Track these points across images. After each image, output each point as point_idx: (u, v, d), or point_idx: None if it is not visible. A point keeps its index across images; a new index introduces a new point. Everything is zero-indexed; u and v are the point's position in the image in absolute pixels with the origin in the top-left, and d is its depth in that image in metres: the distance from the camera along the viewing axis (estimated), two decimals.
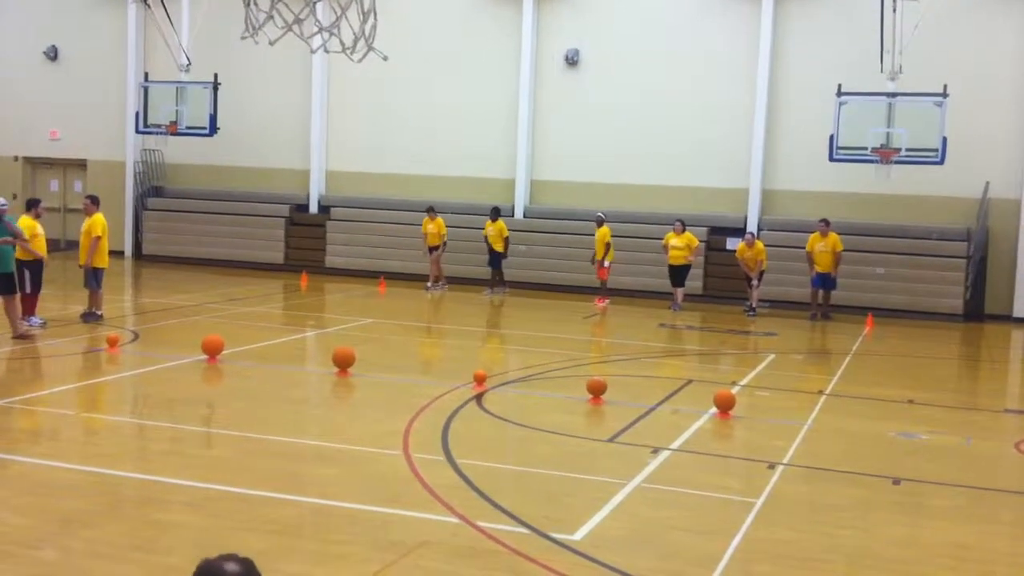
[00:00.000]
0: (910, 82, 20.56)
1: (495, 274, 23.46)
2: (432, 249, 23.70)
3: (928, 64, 21.25)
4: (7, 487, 8.44)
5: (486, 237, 23.44)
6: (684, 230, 21.84)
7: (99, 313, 16.73)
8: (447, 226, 23.80)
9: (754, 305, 21.50)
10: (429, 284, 23.75)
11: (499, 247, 23.29)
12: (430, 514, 7.98)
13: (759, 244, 21.72)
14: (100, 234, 16.74)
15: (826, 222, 21.37)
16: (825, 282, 21.41)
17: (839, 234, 21.80)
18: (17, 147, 29.44)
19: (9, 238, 15.12)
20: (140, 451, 9.31)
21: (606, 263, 21.97)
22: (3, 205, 15.34)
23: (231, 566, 3.21)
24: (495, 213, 23.38)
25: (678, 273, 21.90)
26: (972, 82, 21.76)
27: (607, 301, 22.12)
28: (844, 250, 21.80)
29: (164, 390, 12.44)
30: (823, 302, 21.51)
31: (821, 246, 21.17)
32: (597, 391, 12.27)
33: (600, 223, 22.01)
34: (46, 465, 8.96)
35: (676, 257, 21.74)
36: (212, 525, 7.57)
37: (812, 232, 21.71)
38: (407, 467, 9.24)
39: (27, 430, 10.50)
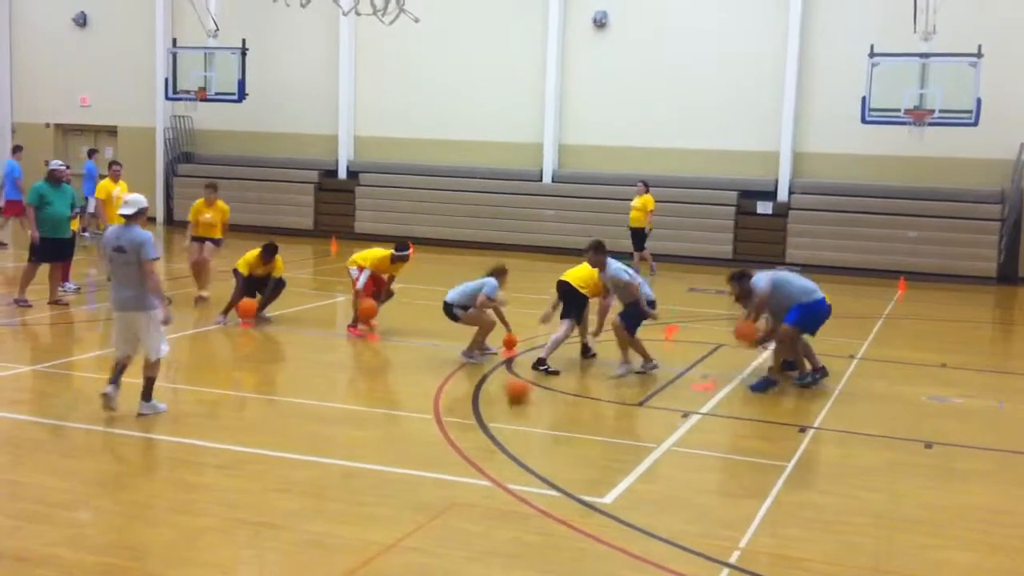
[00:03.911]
0: (944, 42, 20.24)
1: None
2: (209, 241, 15.99)
3: (962, 24, 20.91)
4: (44, 450, 8.55)
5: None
6: (646, 191, 21.17)
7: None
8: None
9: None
10: (204, 293, 15.82)
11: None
12: (461, 477, 8.02)
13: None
14: None
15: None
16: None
17: (874, 197, 21.31)
18: (48, 114, 29.63)
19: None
20: (173, 414, 9.40)
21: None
22: (61, 166, 15.40)
23: None
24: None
25: (634, 236, 21.08)
26: (1006, 42, 21.40)
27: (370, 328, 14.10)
28: (875, 214, 21.52)
29: (196, 354, 12.53)
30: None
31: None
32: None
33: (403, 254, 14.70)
34: (82, 428, 9.07)
35: (632, 219, 21.07)
36: (244, 487, 7.64)
37: (846, 194, 21.33)
38: (438, 430, 9.29)
39: (62, 394, 10.62)
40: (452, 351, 12.68)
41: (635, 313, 11.79)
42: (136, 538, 6.76)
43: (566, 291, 12.21)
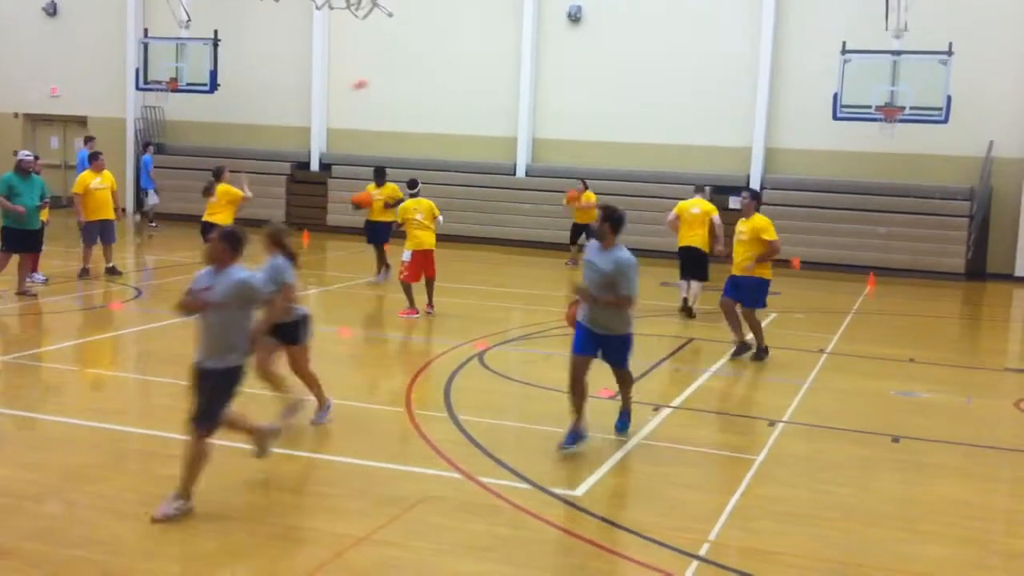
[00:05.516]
0: (915, 40, 20.41)
1: (380, 254, 17.78)
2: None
3: (933, 22, 21.10)
4: (13, 442, 8.48)
5: (359, 204, 17.55)
6: (586, 189, 21.04)
7: (88, 268, 16.74)
8: None
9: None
10: None
11: (385, 215, 17.46)
12: (433, 470, 8.02)
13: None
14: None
15: (753, 195, 12.94)
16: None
17: (845, 193, 21.36)
18: (17, 104, 29.33)
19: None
20: (143, 407, 9.34)
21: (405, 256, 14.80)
22: (29, 156, 15.26)
23: None
24: (380, 175, 17.70)
25: (580, 231, 20.73)
26: (977, 40, 21.59)
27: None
28: (846, 209, 21.69)
29: (167, 346, 12.45)
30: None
31: (742, 233, 12.61)
32: None
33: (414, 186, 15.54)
34: (51, 420, 9.00)
35: (582, 216, 20.74)
36: (213, 480, 7.60)
37: (817, 190, 21.49)
38: (409, 423, 9.28)
39: (32, 386, 10.54)
40: (423, 344, 12.68)
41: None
42: (106, 531, 6.72)
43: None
